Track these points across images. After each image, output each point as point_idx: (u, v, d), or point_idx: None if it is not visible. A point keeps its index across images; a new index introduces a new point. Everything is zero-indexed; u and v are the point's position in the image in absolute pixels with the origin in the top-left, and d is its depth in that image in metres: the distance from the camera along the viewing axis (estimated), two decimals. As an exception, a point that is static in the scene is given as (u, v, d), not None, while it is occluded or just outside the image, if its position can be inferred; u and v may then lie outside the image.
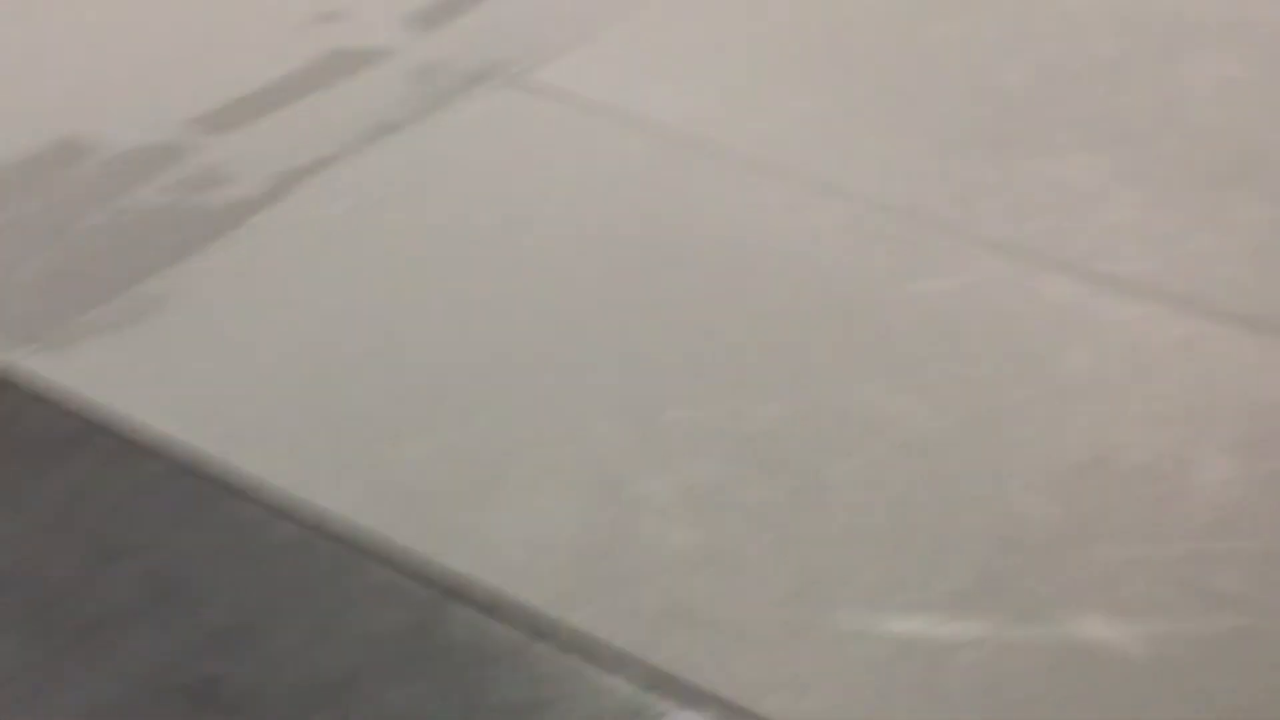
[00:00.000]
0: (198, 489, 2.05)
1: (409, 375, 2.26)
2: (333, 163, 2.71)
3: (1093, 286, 2.47)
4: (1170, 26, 3.23)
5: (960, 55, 3.11)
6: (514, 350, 2.31)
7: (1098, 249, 2.56)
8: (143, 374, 2.26)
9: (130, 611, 1.89)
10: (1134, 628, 1.87)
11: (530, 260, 2.50)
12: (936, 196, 2.67)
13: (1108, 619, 1.88)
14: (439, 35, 3.11)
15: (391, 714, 1.77)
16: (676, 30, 3.16)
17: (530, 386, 2.23)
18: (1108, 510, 2.05)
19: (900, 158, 2.78)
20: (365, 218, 2.59)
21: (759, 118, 2.87)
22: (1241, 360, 2.32)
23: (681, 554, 1.97)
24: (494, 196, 2.65)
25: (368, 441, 2.12)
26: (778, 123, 2.86)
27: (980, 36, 3.18)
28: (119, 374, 2.25)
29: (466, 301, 2.40)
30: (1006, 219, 2.62)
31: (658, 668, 1.82)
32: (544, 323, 2.36)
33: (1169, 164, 2.78)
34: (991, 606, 1.90)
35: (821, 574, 1.95)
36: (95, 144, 2.77)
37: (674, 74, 3.00)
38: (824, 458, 2.11)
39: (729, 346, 2.32)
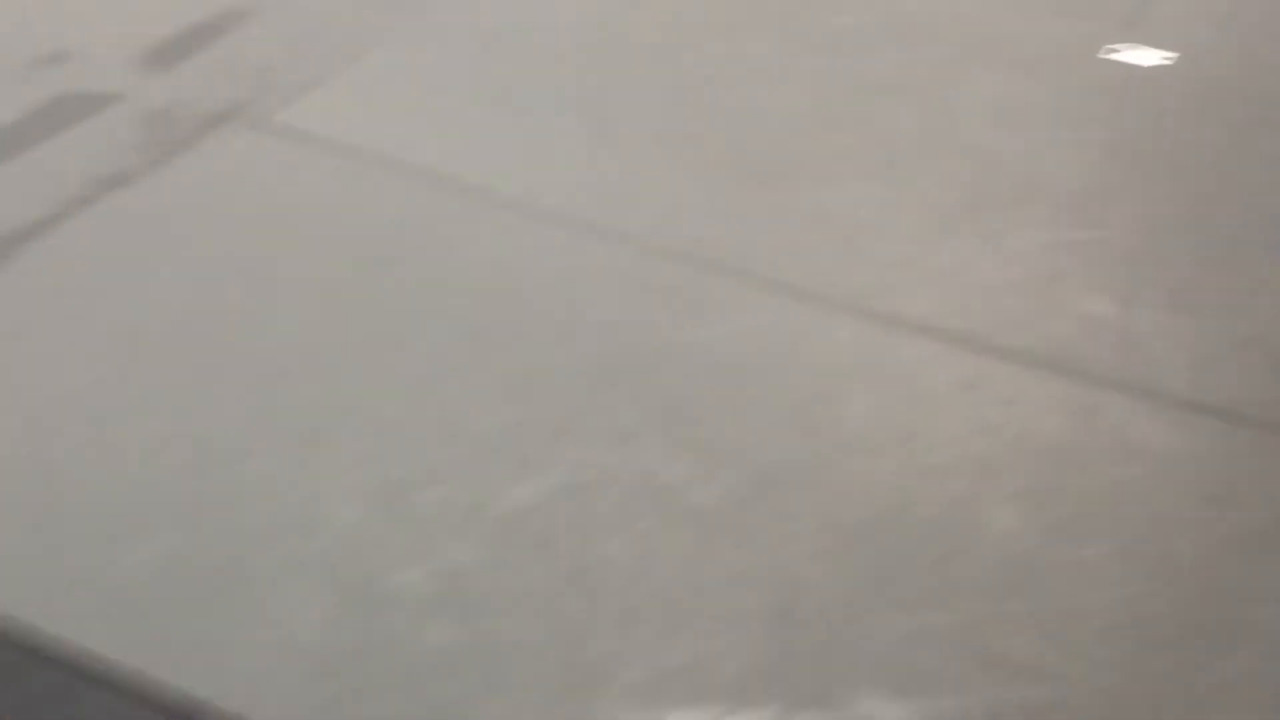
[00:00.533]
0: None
1: (127, 469, 2.04)
2: (56, 224, 2.47)
3: (873, 327, 2.37)
4: (946, 45, 3.16)
5: (729, 80, 3.00)
6: (245, 428, 2.10)
7: (877, 285, 2.46)
8: None
9: None
10: (920, 706, 1.76)
11: (269, 321, 2.30)
12: (711, 236, 2.54)
13: (892, 699, 1.76)
14: (173, 75, 2.89)
15: None
16: (422, 67, 2.99)
17: (263, 470, 2.03)
18: (893, 574, 1.94)
19: (671, 195, 2.65)
20: (88, 286, 2.36)
21: (515, 157, 2.72)
22: (1022, 401, 2.24)
23: (440, 653, 1.80)
24: (233, 252, 2.44)
25: (83, 548, 1.91)
26: (538, 162, 2.71)
27: (748, 59, 3.08)
28: None
29: (195, 378, 2.19)
30: (783, 258, 2.50)
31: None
32: (279, 393, 2.16)
33: (946, 190, 2.70)
34: (771, 692, 1.77)
35: (594, 667, 1.80)
36: None
37: (423, 113, 2.83)
38: (593, 535, 1.96)
39: (487, 412, 2.15)
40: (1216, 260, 2.57)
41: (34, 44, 2.96)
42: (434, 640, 1.81)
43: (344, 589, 1.87)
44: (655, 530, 1.98)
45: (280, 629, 1.82)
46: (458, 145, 2.75)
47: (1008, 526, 2.02)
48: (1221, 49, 3.18)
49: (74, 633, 1.79)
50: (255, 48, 3.01)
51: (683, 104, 2.92)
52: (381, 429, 2.11)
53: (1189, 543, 2.01)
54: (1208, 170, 2.81)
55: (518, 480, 2.03)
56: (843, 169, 2.75)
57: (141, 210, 2.53)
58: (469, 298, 2.37)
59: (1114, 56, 3.12)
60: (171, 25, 3.07)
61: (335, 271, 2.41)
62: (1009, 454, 2.14)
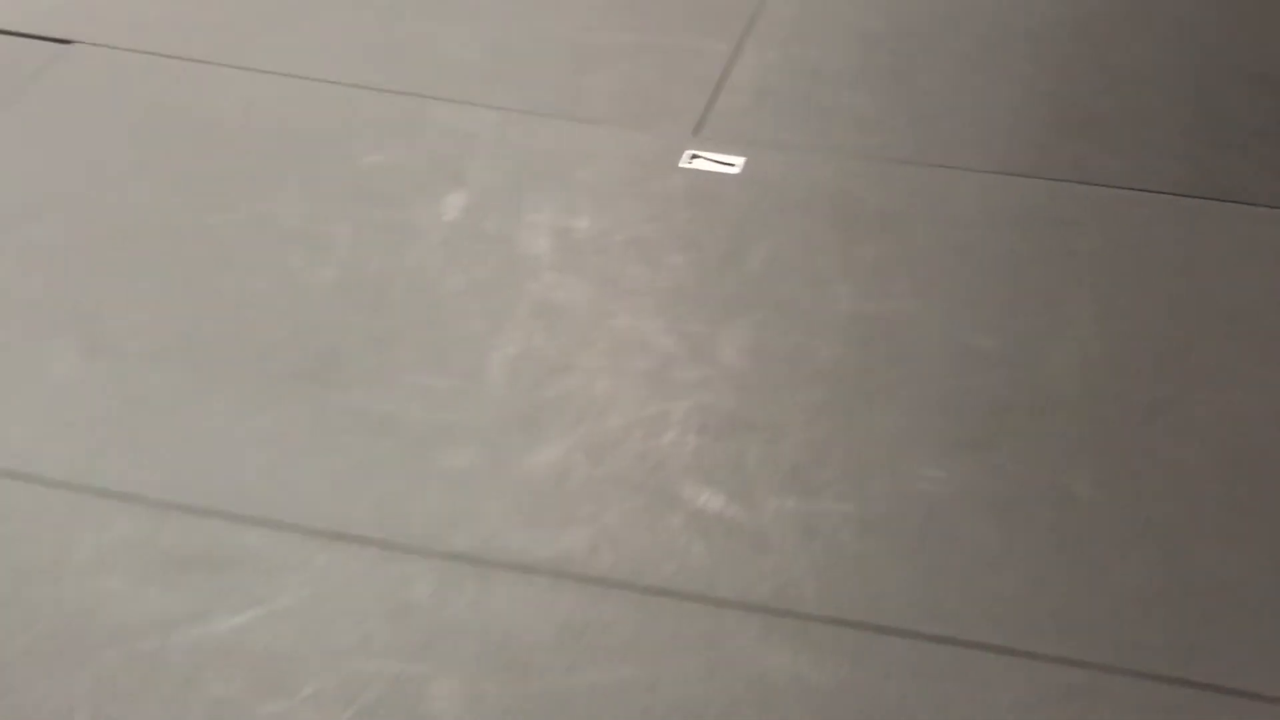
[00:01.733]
0: None
1: None
2: None
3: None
4: (503, 174, 2.77)
5: (256, 251, 2.52)
6: None
7: (440, 516, 2.04)
8: None
9: None
10: None
11: None
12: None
13: None
14: None
15: None
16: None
17: None
18: None
19: (188, 440, 2.17)
20: None
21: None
22: (641, 639, 1.86)
23: None
24: None
25: None
26: (13, 415, 2.21)
27: (279, 222, 2.61)
28: None
29: None
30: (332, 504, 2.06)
31: None
32: None
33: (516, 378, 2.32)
34: None
35: None
36: None
37: None
38: None
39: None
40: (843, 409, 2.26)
41: None
42: None
43: None
44: None
45: None
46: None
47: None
48: (787, 150, 2.90)
49: None
50: None
51: (192, 300, 2.44)
52: None
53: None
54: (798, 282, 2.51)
55: None
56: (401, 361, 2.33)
57: None
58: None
59: (691, 166, 2.79)
60: None
61: None
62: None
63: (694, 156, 2.81)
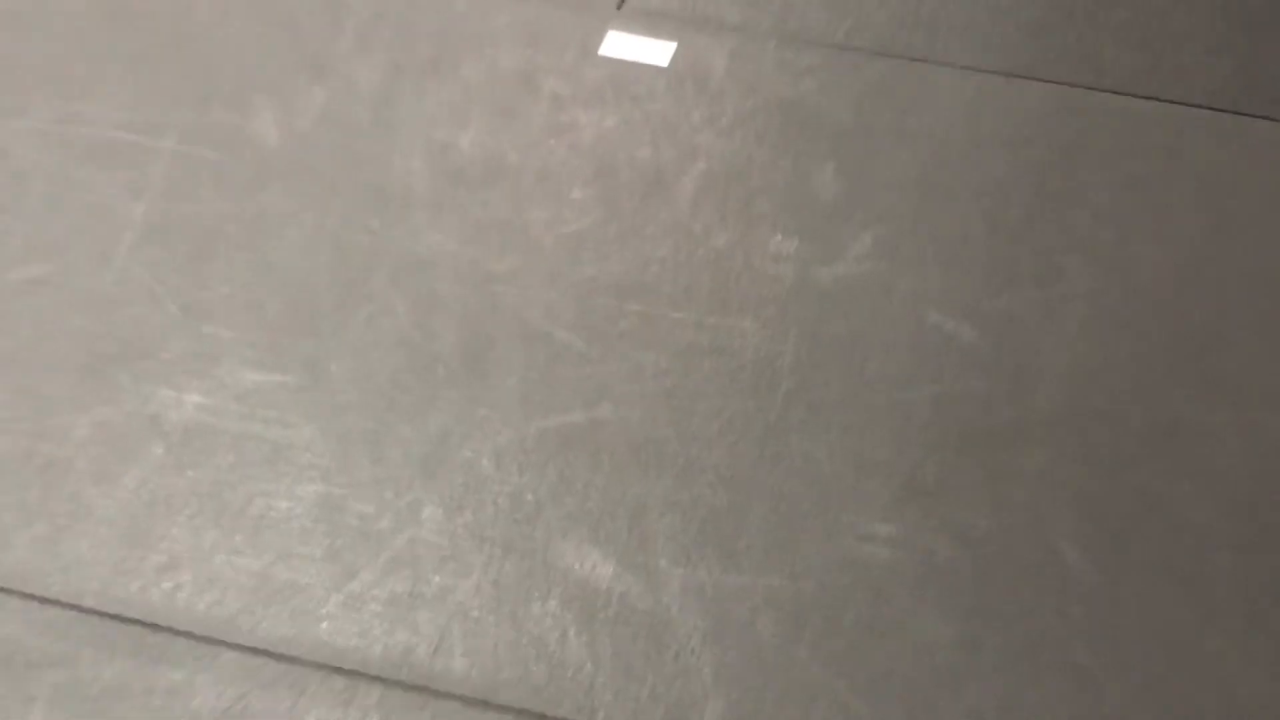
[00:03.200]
0: None
1: None
2: None
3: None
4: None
5: None
6: None
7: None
8: None
9: None
10: None
11: None
12: None
13: None
14: None
15: None
16: None
17: None
18: None
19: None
20: None
21: None
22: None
23: None
24: None
25: None
26: None
27: None
28: None
29: None
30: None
31: None
32: None
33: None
34: None
35: None
36: None
37: None
38: None
39: None
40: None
41: None
42: None
43: None
44: None
45: None
46: None
47: None
48: (728, 34, 2.34)
49: None
50: None
51: None
52: None
53: None
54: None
55: None
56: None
57: None
58: None
59: (610, 54, 2.24)
60: None
61: None
62: None
63: (612, 38, 2.26)
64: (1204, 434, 1.79)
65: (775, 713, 1.54)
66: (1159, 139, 2.13)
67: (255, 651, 1.57)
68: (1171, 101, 2.18)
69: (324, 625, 1.60)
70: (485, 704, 1.54)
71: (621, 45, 2.25)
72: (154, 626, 1.59)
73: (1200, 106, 2.18)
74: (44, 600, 1.61)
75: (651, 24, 2.28)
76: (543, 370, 1.84)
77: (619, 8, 2.31)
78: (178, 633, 1.58)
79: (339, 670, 1.56)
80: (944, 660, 1.59)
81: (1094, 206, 2.05)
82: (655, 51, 2.24)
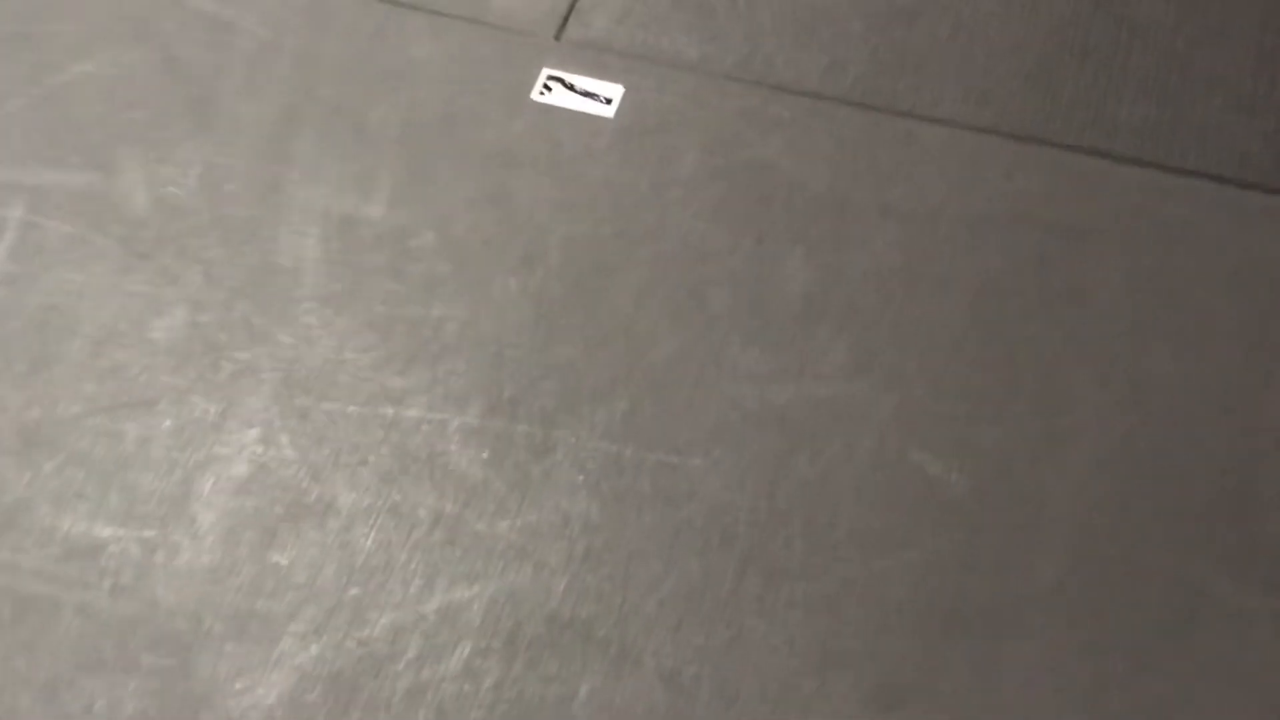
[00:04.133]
0: None
1: None
2: None
3: None
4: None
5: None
6: None
7: None
8: None
9: None
10: None
11: None
12: None
13: None
14: None
15: None
16: None
17: None
18: None
19: None
20: None
21: None
22: None
23: None
24: None
25: None
26: None
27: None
28: None
29: None
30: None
31: None
32: None
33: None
34: None
35: None
36: None
37: None
38: None
39: None
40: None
41: None
42: None
43: None
44: None
45: None
46: None
47: None
48: (689, 73, 2.01)
49: None
50: None
51: None
52: None
53: None
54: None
55: None
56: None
57: None
58: None
59: (544, 99, 1.92)
60: None
61: None
62: None
63: (549, 80, 1.93)
64: (1233, 619, 1.51)
65: None
66: (1181, 218, 1.83)
67: None
68: (1196, 174, 1.88)
69: None
70: None
71: (558, 88, 1.92)
72: None
73: (1230, 181, 1.87)
74: None
75: (594, 60, 1.95)
76: (450, 526, 1.54)
77: (557, 38, 1.97)
78: None
79: None
80: None
81: (1105, 305, 1.75)
82: (598, 97, 1.91)
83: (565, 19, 1.99)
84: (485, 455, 1.59)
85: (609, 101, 1.91)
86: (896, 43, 2.00)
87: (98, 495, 1.55)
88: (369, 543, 1.53)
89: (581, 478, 1.57)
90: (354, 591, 1.49)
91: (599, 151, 1.86)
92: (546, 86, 1.91)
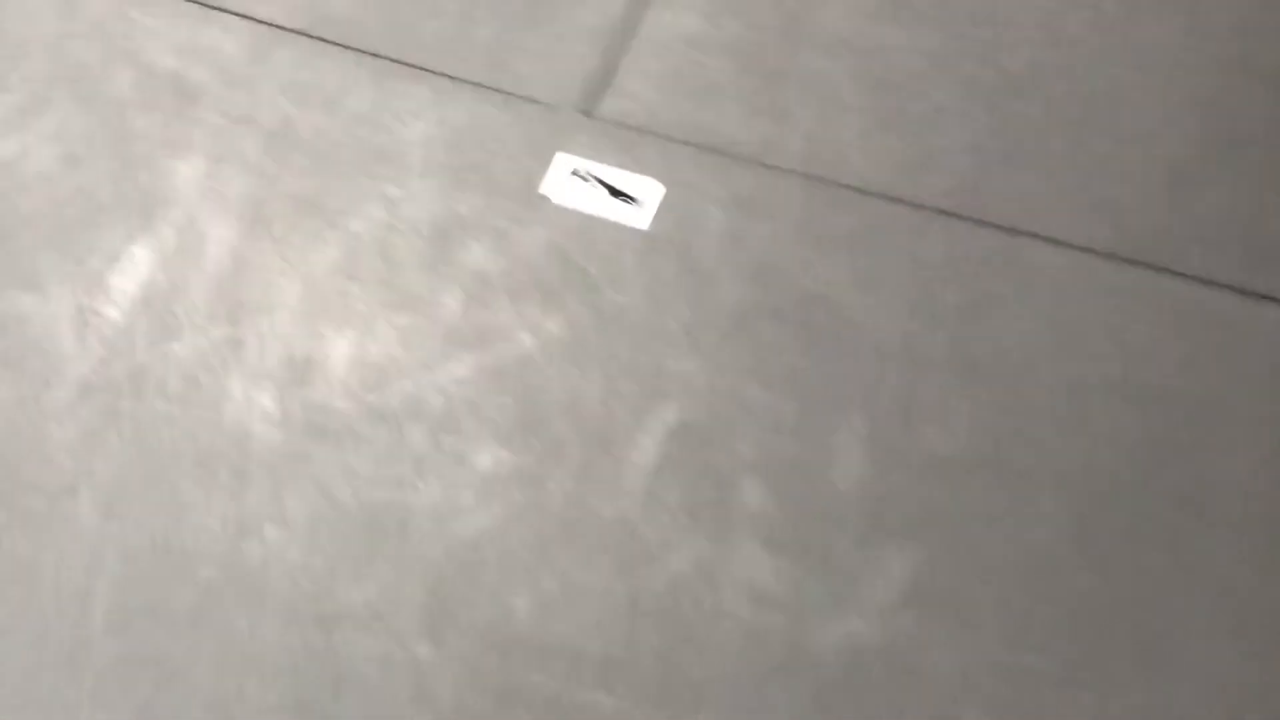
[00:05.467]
0: None
1: None
2: None
3: None
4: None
5: None
6: None
7: None
8: None
9: None
10: None
11: None
12: None
13: None
14: None
15: None
16: None
17: None
18: None
19: None
20: None
21: None
22: None
23: None
24: None
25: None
26: None
27: None
28: None
29: None
30: None
31: None
32: None
33: None
34: None
35: None
36: None
37: None
38: None
39: None
40: None
41: None
42: None
43: None
44: None
45: None
46: None
47: None
48: (744, 167, 1.65)
49: None
50: None
51: None
52: None
53: None
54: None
55: None
56: None
57: None
58: None
59: (561, 202, 1.58)
60: None
61: None
62: None
63: (572, 173, 1.58)
64: None
65: None
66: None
67: None
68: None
69: None
70: None
71: (581, 185, 1.57)
72: None
73: None
74: None
75: (628, 145, 1.60)
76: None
77: (587, 113, 1.62)
78: None
79: None
80: None
81: (1234, 518, 1.39)
82: (629, 198, 1.57)
83: (599, 91, 1.64)
84: (448, 697, 1.29)
85: (641, 204, 1.56)
86: (1004, 129, 1.62)
87: None
88: None
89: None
90: None
91: (624, 275, 1.52)
92: (571, 179, 1.57)
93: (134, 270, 1.51)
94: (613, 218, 1.55)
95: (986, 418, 1.44)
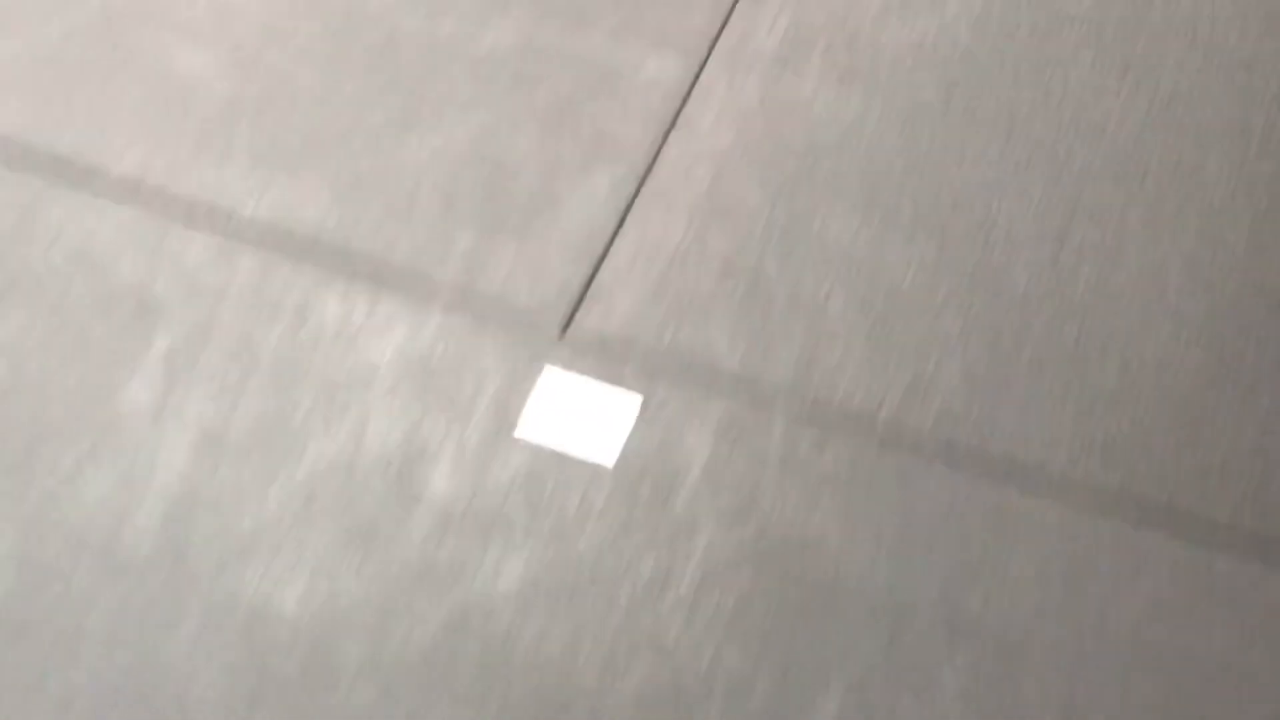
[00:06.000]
0: None
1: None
2: None
3: None
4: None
5: None
6: None
7: None
8: None
9: None
10: None
11: None
12: None
13: None
14: None
15: None
16: None
17: None
18: None
19: None
20: None
21: None
22: None
23: None
24: None
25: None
26: None
27: None
28: None
29: None
30: None
31: None
32: None
33: None
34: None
35: None
36: None
37: None
38: None
39: None
40: None
41: None
42: None
43: None
44: None
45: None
46: None
47: None
48: (727, 398, 1.57)
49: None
50: None
51: None
52: None
53: None
54: None
55: None
56: None
57: None
58: None
59: (528, 437, 1.50)
60: None
61: None
62: None
63: (542, 405, 1.50)
64: None
65: None
66: None
67: None
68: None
69: None
70: None
71: (552, 415, 1.49)
72: None
73: None
74: None
75: (605, 365, 1.52)
76: None
77: (562, 332, 1.54)
78: None
79: None
80: None
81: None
82: (604, 427, 1.48)
83: (577, 304, 1.56)
84: None
85: (613, 433, 1.48)
86: (997, 360, 1.53)
87: None
88: None
89: None
90: None
91: (591, 514, 1.44)
92: (542, 409, 1.49)
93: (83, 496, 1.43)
94: (582, 454, 1.47)
95: (977, 682, 1.35)
